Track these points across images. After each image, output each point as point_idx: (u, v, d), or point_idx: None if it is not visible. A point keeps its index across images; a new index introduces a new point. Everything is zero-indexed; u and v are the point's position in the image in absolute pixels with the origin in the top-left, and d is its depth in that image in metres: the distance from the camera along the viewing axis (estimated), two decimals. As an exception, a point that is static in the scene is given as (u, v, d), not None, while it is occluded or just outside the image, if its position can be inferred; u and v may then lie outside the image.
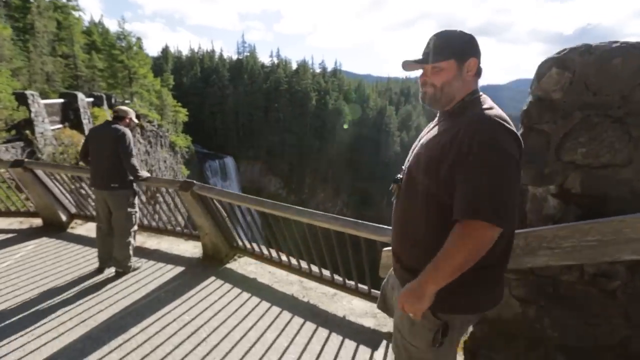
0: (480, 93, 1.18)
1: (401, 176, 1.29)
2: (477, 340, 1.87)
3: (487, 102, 1.14)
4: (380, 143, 54.99)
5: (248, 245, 3.63)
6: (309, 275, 3.27)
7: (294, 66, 56.69)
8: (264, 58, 61.37)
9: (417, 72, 1.24)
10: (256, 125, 50.23)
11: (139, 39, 24.61)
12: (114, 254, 3.32)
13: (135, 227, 3.40)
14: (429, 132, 1.24)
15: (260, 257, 3.56)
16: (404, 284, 1.24)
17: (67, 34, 21.07)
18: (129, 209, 3.27)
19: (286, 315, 2.87)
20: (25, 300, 2.95)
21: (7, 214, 4.78)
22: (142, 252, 3.90)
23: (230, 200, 3.13)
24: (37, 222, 4.69)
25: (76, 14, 22.98)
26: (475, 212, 0.97)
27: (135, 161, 3.20)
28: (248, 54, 56.48)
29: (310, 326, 2.73)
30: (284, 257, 3.46)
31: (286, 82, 52.34)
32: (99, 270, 3.42)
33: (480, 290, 1.15)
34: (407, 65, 1.20)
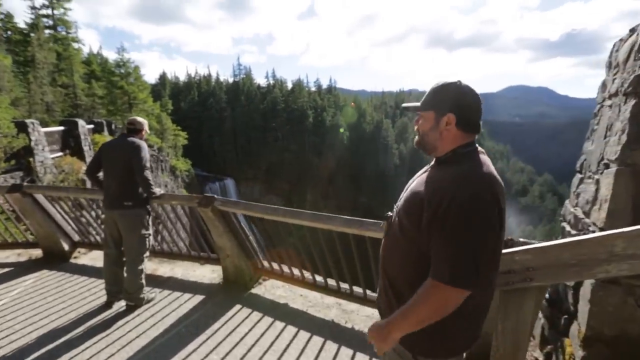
0: (477, 147, 1.15)
1: (391, 214, 1.29)
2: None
3: (478, 158, 1.10)
4: (379, 156, 55.09)
5: (275, 266, 3.22)
6: (349, 296, 2.85)
7: (290, 86, 57.56)
8: (260, 79, 62.22)
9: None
10: (255, 145, 50.41)
11: (137, 66, 24.75)
12: (125, 285, 2.90)
13: (148, 253, 3.00)
14: (421, 175, 1.22)
15: (290, 279, 3.14)
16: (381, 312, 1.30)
17: (67, 65, 21.09)
18: (143, 231, 2.88)
19: (331, 346, 2.45)
20: (22, 345, 2.52)
21: (4, 246, 4.36)
22: (155, 281, 3.47)
23: (262, 215, 2.74)
24: (37, 253, 4.26)
25: (76, 45, 23.20)
26: (442, 275, 0.99)
27: (149, 175, 2.84)
28: (244, 76, 57.33)
29: (362, 358, 2.30)
30: (318, 277, 3.04)
31: (283, 101, 52.93)
32: (108, 305, 2.99)
33: (460, 334, 1.14)
34: (405, 108, 1.26)
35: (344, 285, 2.90)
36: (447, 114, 1.12)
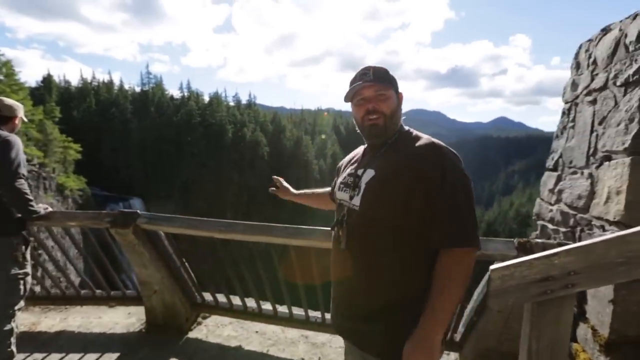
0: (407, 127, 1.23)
1: (340, 216, 1.16)
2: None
3: (416, 131, 1.19)
4: (300, 172, 55.74)
5: (222, 298, 2.49)
6: (319, 326, 2.32)
7: (207, 99, 54.64)
8: (173, 90, 57.30)
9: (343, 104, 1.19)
10: (167, 161, 45.94)
11: (8, 60, 20.05)
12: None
13: (22, 303, 1.99)
14: (370, 164, 1.15)
15: (241, 313, 2.46)
16: (354, 338, 1.15)
17: None
18: (14, 270, 1.89)
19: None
20: None
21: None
22: (36, 342, 2.39)
23: (212, 234, 2.00)
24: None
25: None
26: (464, 238, 0.99)
27: (25, 186, 1.89)
28: (154, 85, 52.29)
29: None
30: (280, 307, 2.43)
31: (199, 114, 49.84)
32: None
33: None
34: (359, 88, 1.13)
35: (314, 314, 2.36)
36: (400, 92, 1.19)
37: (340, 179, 1.29)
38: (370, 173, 1.11)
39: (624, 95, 1.75)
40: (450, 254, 0.98)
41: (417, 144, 1.08)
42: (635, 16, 1.73)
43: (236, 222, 1.92)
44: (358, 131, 1.21)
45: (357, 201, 1.10)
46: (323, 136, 55.51)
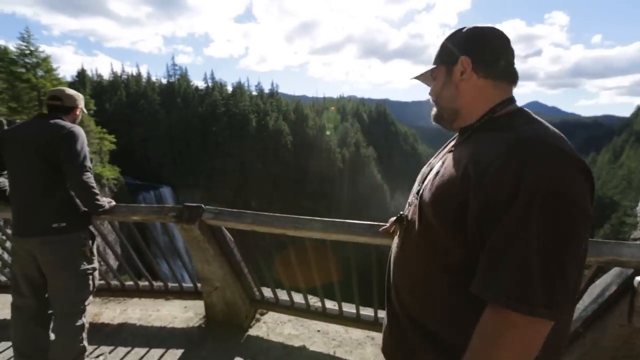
0: (519, 107, 0.85)
1: (406, 213, 0.97)
2: None
3: (529, 116, 0.80)
4: (322, 161, 55.57)
5: (283, 296, 2.39)
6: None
7: (230, 89, 55.21)
8: (197, 81, 58.27)
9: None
10: (194, 150, 47.08)
11: (48, 56, 20.90)
12: (51, 355, 1.82)
13: (91, 298, 1.95)
14: (445, 154, 0.92)
15: (304, 312, 2.34)
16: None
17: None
18: (84, 265, 1.84)
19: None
20: None
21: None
22: (100, 334, 2.39)
23: (290, 231, 1.82)
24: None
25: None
26: (519, 299, 0.65)
27: (92, 179, 1.82)
28: (179, 77, 53.31)
29: None
30: (346, 307, 2.29)
31: (223, 104, 50.48)
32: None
33: None
34: (417, 78, 1.01)
35: (382, 314, 2.20)
36: (458, 59, 0.86)
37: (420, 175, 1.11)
38: (436, 167, 0.90)
39: None
40: (497, 313, 0.68)
41: (497, 136, 0.76)
42: None
43: (313, 218, 1.77)
44: None
45: (416, 198, 0.91)
46: (328, 132, 54.88)
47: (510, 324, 0.66)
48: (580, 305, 1.71)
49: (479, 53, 0.85)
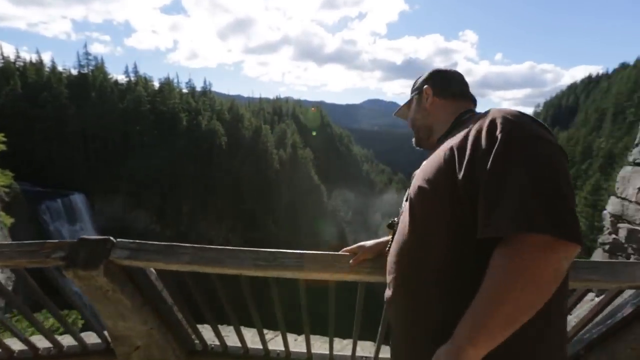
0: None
1: (397, 220, 1.05)
2: None
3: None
4: (260, 162, 54.30)
5: (231, 342, 1.82)
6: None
7: (157, 85, 50.54)
8: (117, 74, 52.00)
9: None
10: (113, 152, 41.96)
11: None
12: None
13: None
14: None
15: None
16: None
17: None
18: None
19: None
20: None
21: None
22: None
23: (250, 271, 1.29)
24: None
25: None
26: (529, 219, 0.63)
27: None
28: (94, 68, 46.94)
29: None
30: (314, 344, 1.83)
31: (149, 101, 45.97)
32: None
33: (549, 351, 0.75)
34: (399, 115, 1.33)
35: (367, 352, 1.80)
36: (423, 89, 1.13)
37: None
38: (420, 166, 0.98)
39: None
40: (508, 246, 0.65)
41: (469, 123, 0.86)
42: None
43: (283, 252, 1.26)
44: None
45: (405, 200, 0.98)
46: (314, 133, 55.85)
47: (520, 252, 0.63)
48: (588, 325, 1.52)
49: (435, 81, 1.12)
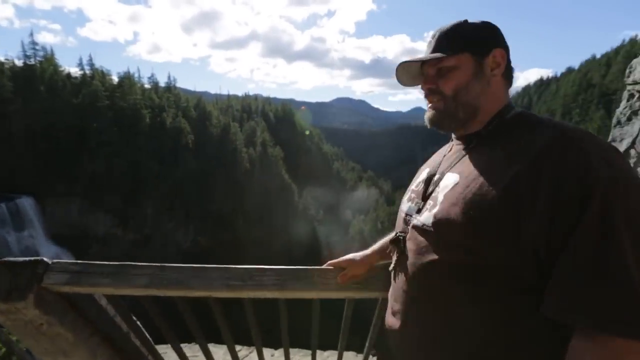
0: (521, 110, 0.81)
1: (403, 233, 0.86)
2: None
3: (539, 116, 0.77)
4: (228, 161, 52.98)
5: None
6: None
7: (115, 79, 47.56)
8: (70, 67, 48.08)
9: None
10: (67, 151, 38.91)
11: None
12: None
13: None
14: (449, 167, 0.82)
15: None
16: None
17: None
18: None
19: None
20: None
21: None
22: None
23: (222, 292, 1.08)
24: None
25: None
26: (627, 323, 0.53)
27: None
28: (42, 59, 43.25)
29: None
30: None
31: (107, 97, 43.12)
32: None
33: None
34: (405, 69, 0.87)
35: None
36: (492, 50, 0.78)
37: (412, 185, 0.95)
38: (451, 179, 0.77)
39: None
40: (602, 345, 0.54)
41: (532, 133, 0.68)
42: None
43: (261, 269, 1.07)
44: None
45: (428, 217, 0.76)
46: (307, 132, 56.24)
47: (606, 352, 0.53)
48: None
49: (507, 49, 0.79)
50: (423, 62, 0.83)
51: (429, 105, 0.84)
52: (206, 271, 1.10)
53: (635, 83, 1.97)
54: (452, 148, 0.89)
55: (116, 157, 40.98)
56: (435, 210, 0.75)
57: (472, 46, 0.78)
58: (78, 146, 39.52)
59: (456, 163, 0.81)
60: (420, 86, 0.86)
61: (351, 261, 1.13)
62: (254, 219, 51.86)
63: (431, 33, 0.85)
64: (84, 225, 38.60)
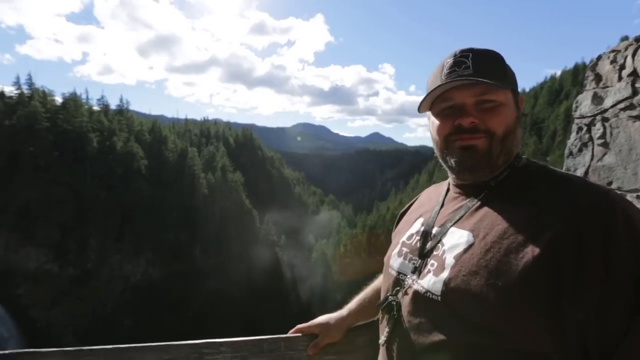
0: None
1: (394, 298, 0.72)
2: None
3: (545, 165, 0.72)
4: (185, 186, 50.75)
5: None
6: None
7: (59, 99, 44.40)
8: (5, 86, 43.95)
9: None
10: (-5, 177, 34.78)
11: None
12: None
13: None
14: (454, 220, 0.71)
15: None
16: None
17: None
18: None
19: None
20: None
21: None
22: None
23: None
24: None
25: None
26: None
27: None
28: (-29, 77, 39.26)
29: None
30: None
31: (47, 118, 39.80)
32: None
33: None
34: (449, 88, 0.67)
35: None
36: (518, 96, 0.72)
37: (403, 237, 0.80)
38: (461, 238, 0.65)
39: None
40: None
41: (558, 190, 0.61)
42: None
43: (218, 342, 0.82)
44: (439, 160, 0.74)
45: (434, 283, 0.64)
46: (299, 138, 54.28)
47: None
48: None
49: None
50: (453, 84, 0.67)
51: (462, 143, 0.67)
52: (138, 352, 0.81)
53: (582, 117, 2.07)
54: (450, 195, 0.77)
55: (55, 184, 37.34)
56: (444, 275, 0.63)
57: (513, 83, 0.69)
58: (7, 171, 35.50)
59: (461, 217, 0.69)
60: (432, 114, 0.72)
61: (324, 325, 0.94)
62: (212, 247, 49.38)
63: (453, 54, 0.69)
64: (11, 261, 34.03)
